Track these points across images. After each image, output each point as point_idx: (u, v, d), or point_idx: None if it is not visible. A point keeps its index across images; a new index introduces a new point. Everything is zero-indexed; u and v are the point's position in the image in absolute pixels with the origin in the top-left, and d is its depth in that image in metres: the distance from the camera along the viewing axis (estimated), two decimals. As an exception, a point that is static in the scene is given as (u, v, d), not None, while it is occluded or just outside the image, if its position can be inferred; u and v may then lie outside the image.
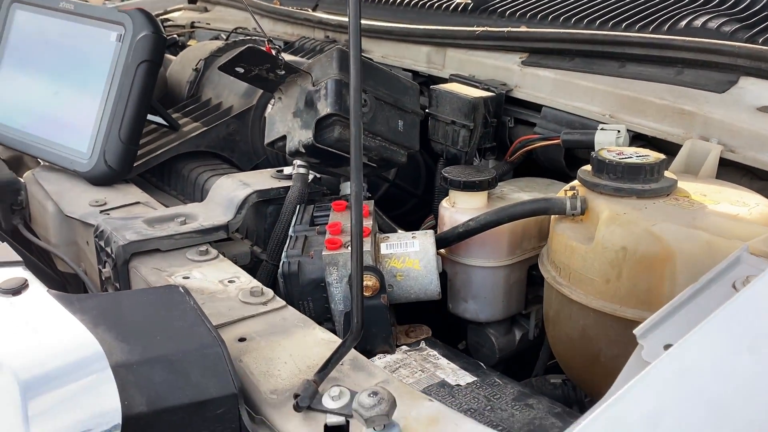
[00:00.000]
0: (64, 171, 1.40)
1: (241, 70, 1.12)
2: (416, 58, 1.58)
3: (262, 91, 1.48)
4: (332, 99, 1.10)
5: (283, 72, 1.14)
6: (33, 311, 0.72)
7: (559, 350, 1.02)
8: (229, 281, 0.99)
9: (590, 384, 0.99)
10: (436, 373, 0.97)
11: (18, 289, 0.74)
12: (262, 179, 1.25)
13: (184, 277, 0.99)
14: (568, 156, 1.27)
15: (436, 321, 1.12)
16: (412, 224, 1.51)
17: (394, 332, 1.04)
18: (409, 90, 1.23)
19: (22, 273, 0.79)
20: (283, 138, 1.18)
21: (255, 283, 0.98)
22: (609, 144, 1.14)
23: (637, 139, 1.19)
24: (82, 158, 1.35)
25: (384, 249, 1.03)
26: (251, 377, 0.79)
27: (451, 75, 1.44)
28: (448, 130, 1.30)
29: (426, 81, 1.58)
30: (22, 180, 1.44)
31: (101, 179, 1.34)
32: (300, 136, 1.14)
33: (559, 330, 0.99)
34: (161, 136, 1.53)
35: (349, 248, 0.98)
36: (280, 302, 0.93)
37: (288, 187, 1.21)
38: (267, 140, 1.21)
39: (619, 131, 1.14)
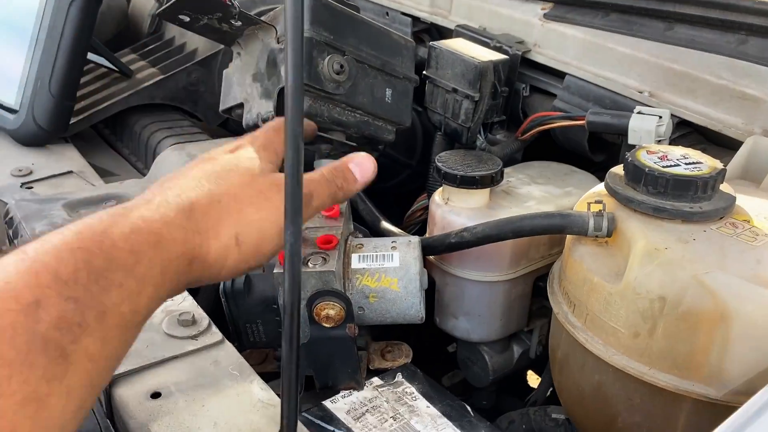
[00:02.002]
0: (-9, 125, 1.18)
1: (187, 19, 0.88)
2: (418, 0, 1.32)
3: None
4: (299, 63, 0.86)
5: (240, 23, 0.90)
6: None
7: (566, 399, 0.83)
8: (157, 298, 0.79)
9: (601, 445, 0.80)
10: (411, 422, 0.78)
11: None
12: (217, 153, 1.02)
13: (101, 290, 0.79)
14: (592, 138, 1.04)
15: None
16: (406, 197, 1.30)
17: (363, 366, 0.84)
18: (403, 50, 0.98)
19: None
20: (241, 106, 0.95)
21: (188, 303, 0.78)
22: (647, 132, 0.91)
23: (682, 125, 0.95)
24: (9, 113, 1.13)
25: (356, 262, 0.82)
26: (157, 457, 0.60)
27: (456, 26, 1.19)
28: (449, 100, 1.06)
29: (428, 29, 1.32)
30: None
31: (30, 139, 1.12)
32: (259, 107, 0.91)
33: (568, 378, 0.79)
34: (112, 83, 1.29)
35: (310, 264, 0.78)
36: (215, 336, 0.74)
37: (247, 166, 0.99)
38: (222, 106, 0.98)
39: (660, 117, 0.91)
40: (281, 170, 0.52)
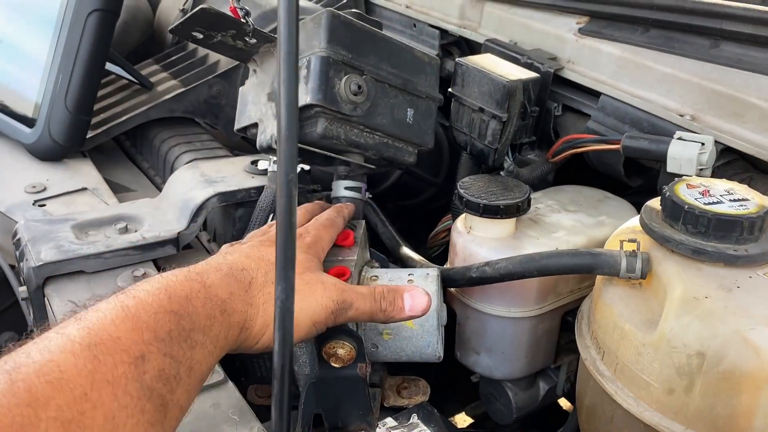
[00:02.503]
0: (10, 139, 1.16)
1: (200, 36, 0.84)
2: (447, 11, 1.26)
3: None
4: (315, 83, 0.82)
5: (254, 40, 0.86)
6: None
7: (593, 451, 0.77)
8: (160, 329, 0.75)
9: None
10: (425, 469, 0.73)
11: None
12: (232, 173, 0.99)
13: (103, 320, 0.76)
14: (629, 161, 0.97)
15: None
16: (432, 213, 1.25)
17: (376, 405, 0.79)
18: (426, 67, 0.93)
19: None
20: (256, 126, 0.91)
21: (191, 337, 0.74)
22: (688, 161, 0.84)
23: (727, 152, 0.88)
24: (26, 127, 1.11)
25: (369, 295, 0.77)
26: None
27: (486, 41, 1.13)
28: (475, 119, 1.01)
29: (457, 41, 1.27)
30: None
31: (46, 154, 1.11)
32: (273, 128, 0.87)
33: (595, 428, 0.73)
34: (132, 95, 1.27)
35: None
36: (216, 375, 0.70)
37: (262, 187, 0.96)
38: (237, 125, 0.94)
39: (703, 144, 0.84)
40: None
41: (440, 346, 0.78)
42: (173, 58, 1.36)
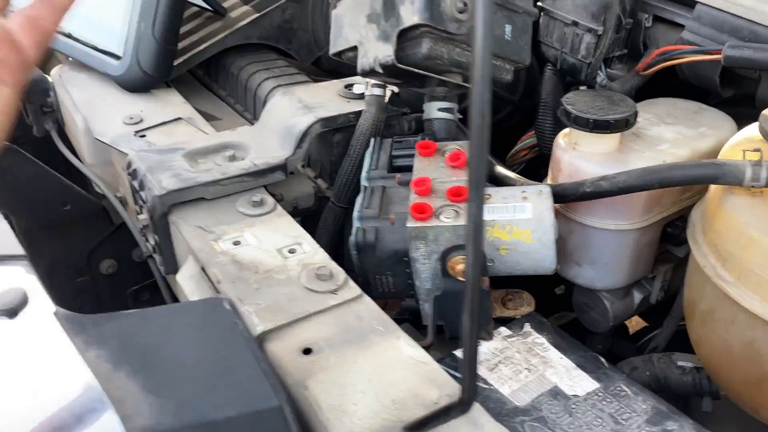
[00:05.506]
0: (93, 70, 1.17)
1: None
2: None
3: (326, -35, 1.19)
4: (422, 2, 0.82)
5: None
6: (28, 346, 0.54)
7: (708, 353, 0.80)
8: (289, 251, 0.79)
9: (747, 401, 0.77)
10: (546, 374, 0.78)
11: (14, 308, 0.56)
12: (328, 98, 1.00)
13: (234, 243, 0.80)
14: (723, 72, 0.96)
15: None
16: (505, 133, 1.26)
17: (492, 314, 0.83)
18: (522, -19, 0.92)
19: (24, 277, 0.60)
20: (355, 49, 0.91)
21: (320, 256, 0.78)
22: (797, 68, 0.84)
23: (834, 58, 0.87)
24: (113, 60, 1.12)
25: (485, 214, 0.79)
26: (319, 415, 0.61)
27: (571, -49, 1.10)
28: (567, 33, 1.00)
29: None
30: (50, 78, 1.23)
31: (136, 85, 1.12)
32: (376, 50, 0.87)
33: (711, 331, 0.77)
34: (205, 23, 1.26)
35: (442, 218, 0.76)
36: (353, 290, 0.73)
37: (359, 112, 0.97)
38: (333, 50, 0.94)
39: (813, 50, 0.83)
40: None
41: (556, 258, 0.80)
42: (240, -18, 1.35)
